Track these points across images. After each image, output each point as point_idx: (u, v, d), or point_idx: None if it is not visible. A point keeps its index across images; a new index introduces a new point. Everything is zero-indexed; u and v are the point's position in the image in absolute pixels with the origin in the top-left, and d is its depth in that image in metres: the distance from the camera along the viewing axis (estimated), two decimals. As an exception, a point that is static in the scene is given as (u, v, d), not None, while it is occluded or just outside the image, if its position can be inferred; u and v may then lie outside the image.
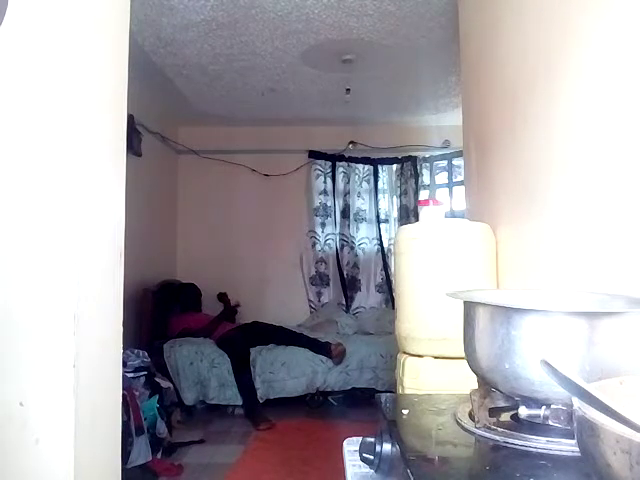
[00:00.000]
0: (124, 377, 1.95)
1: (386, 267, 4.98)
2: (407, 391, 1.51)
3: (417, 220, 1.86)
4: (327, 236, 5.04)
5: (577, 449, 0.47)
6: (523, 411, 0.71)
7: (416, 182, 4.96)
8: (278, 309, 4.81)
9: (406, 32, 3.10)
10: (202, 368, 3.78)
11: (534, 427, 0.69)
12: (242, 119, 4.78)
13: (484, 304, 0.75)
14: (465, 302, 0.80)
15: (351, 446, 0.86)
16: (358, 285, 5.00)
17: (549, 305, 0.75)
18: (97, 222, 1.23)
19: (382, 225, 5.04)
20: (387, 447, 0.74)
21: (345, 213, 5.05)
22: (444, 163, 5.00)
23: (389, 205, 5.08)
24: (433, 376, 1.50)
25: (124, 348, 1.39)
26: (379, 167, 5.06)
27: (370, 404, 3.14)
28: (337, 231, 5.04)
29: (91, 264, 1.18)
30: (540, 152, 1.37)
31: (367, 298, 4.97)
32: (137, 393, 2.66)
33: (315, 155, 5.04)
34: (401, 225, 4.59)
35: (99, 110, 1.24)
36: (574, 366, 0.66)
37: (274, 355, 3.86)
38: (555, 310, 0.69)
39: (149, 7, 2.79)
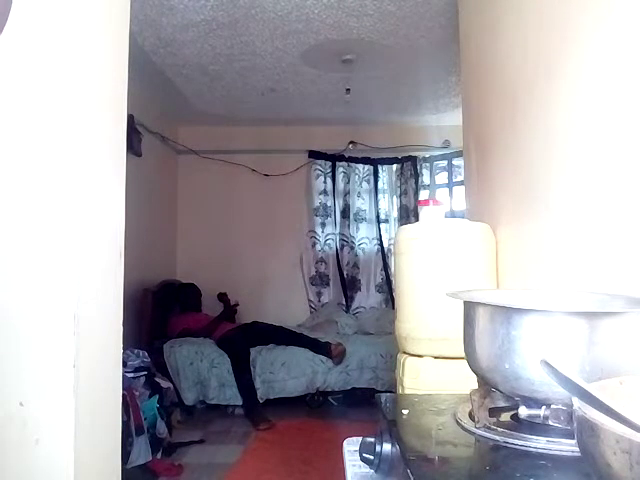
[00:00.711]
0: (124, 377, 1.95)
1: (386, 267, 4.98)
2: (407, 391, 1.51)
3: (417, 220, 1.86)
4: (327, 236, 5.04)
5: (577, 449, 0.47)
6: (523, 411, 0.71)
7: (416, 182, 4.96)
8: (278, 309, 4.81)
9: (406, 32, 3.10)
10: (202, 368, 3.78)
11: (534, 427, 0.69)
12: (242, 119, 4.78)
13: (484, 304, 0.75)
14: (465, 302, 0.80)
15: (351, 446, 0.86)
16: (358, 285, 5.00)
17: (549, 305, 0.75)
18: (97, 222, 1.23)
19: (382, 225, 5.04)
20: (387, 447, 0.74)
21: (345, 213, 5.05)
22: (444, 163, 5.00)
23: (389, 205, 5.08)
24: (433, 376, 1.50)
25: (124, 348, 1.39)
26: (379, 167, 5.06)
27: (370, 404, 3.14)
28: (337, 231, 5.04)
29: (91, 264, 1.18)
30: (540, 152, 1.37)
31: (367, 298, 4.97)
32: (137, 393, 2.66)
33: (315, 155, 5.04)
34: (401, 225, 4.60)
35: (99, 110, 1.24)
36: (574, 366, 0.66)
37: (274, 355, 3.86)
38: (555, 310, 0.69)
39: (149, 7, 2.79)
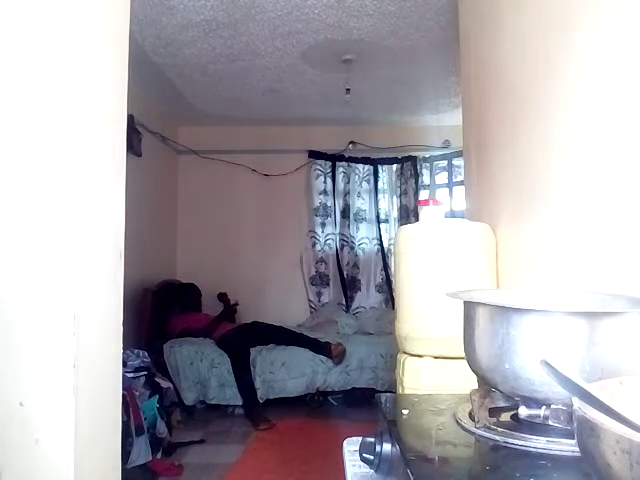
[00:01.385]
0: (124, 377, 1.95)
1: (386, 267, 4.98)
2: (407, 391, 1.51)
3: (417, 220, 1.86)
4: (327, 236, 5.04)
5: (577, 449, 0.47)
6: (523, 411, 0.71)
7: (416, 182, 4.96)
8: (278, 309, 4.81)
9: (406, 32, 3.10)
10: (202, 368, 3.78)
11: (534, 427, 0.69)
12: (242, 119, 4.78)
13: (484, 304, 0.75)
14: (465, 302, 0.80)
15: (351, 446, 0.86)
16: (358, 285, 5.00)
17: (549, 305, 0.75)
18: (97, 222, 1.23)
19: (382, 225, 5.04)
20: (387, 447, 0.74)
21: (345, 213, 5.05)
22: (444, 163, 5.00)
23: (389, 205, 5.08)
24: (433, 376, 1.49)
25: (124, 348, 1.39)
26: (379, 167, 5.06)
27: (370, 404, 3.15)
28: (337, 231, 5.04)
29: (91, 264, 1.18)
30: (540, 152, 1.37)
31: (367, 298, 4.97)
32: (137, 393, 2.66)
33: (315, 155, 5.04)
34: (401, 225, 4.60)
35: (99, 110, 1.24)
36: (574, 366, 0.66)
37: (274, 355, 3.86)
38: (555, 310, 0.69)
39: (149, 7, 2.79)
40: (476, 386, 0.81)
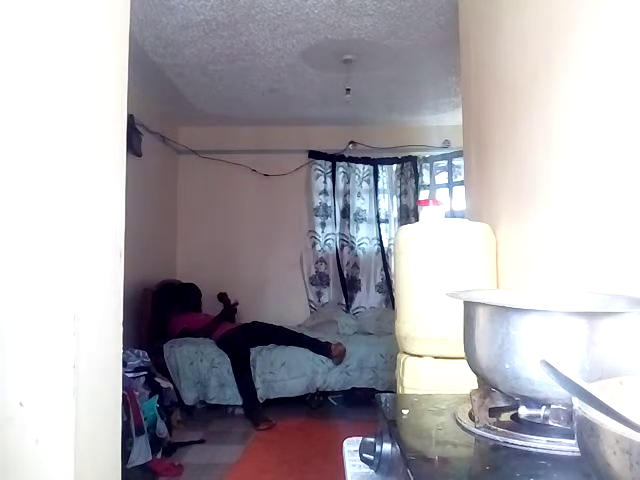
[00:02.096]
0: (124, 377, 1.95)
1: (386, 267, 4.98)
2: (407, 391, 1.51)
3: (417, 220, 1.86)
4: (327, 236, 5.04)
5: (577, 449, 0.47)
6: (523, 411, 0.71)
7: (416, 182, 4.96)
8: (278, 309, 4.81)
9: (406, 32, 3.10)
10: (202, 368, 3.78)
11: (534, 427, 0.69)
12: (242, 119, 4.78)
13: (484, 304, 0.75)
14: (465, 302, 0.80)
15: (351, 446, 0.86)
16: (358, 285, 5.00)
17: (549, 305, 0.75)
18: (97, 222, 1.23)
19: (382, 225, 5.04)
20: (387, 447, 0.74)
21: (345, 213, 5.05)
22: (444, 163, 5.00)
23: (389, 205, 5.08)
24: (433, 376, 1.49)
25: (124, 348, 1.39)
26: (379, 167, 5.06)
27: (370, 404, 3.15)
28: (337, 231, 5.04)
29: (91, 264, 1.18)
30: (540, 152, 1.37)
31: (367, 298, 4.97)
32: (137, 393, 2.66)
33: (315, 155, 5.04)
34: (401, 225, 4.59)
35: (99, 110, 1.24)
36: (574, 366, 0.66)
37: (274, 355, 3.86)
38: (555, 310, 0.69)
39: (149, 7, 2.79)
40: (476, 386, 0.81)
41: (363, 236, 5.06)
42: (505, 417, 0.76)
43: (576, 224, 1.18)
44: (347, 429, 2.79)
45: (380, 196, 5.07)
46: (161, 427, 2.81)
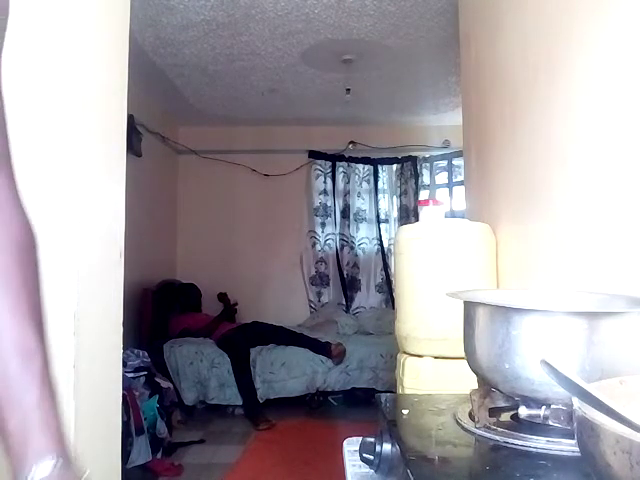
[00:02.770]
0: (124, 377, 1.95)
1: (386, 267, 4.98)
2: (407, 391, 1.51)
3: (417, 220, 1.86)
4: (327, 236, 5.04)
5: (577, 449, 0.47)
6: (523, 411, 0.71)
7: (416, 182, 4.96)
8: (278, 309, 4.81)
9: (406, 32, 3.10)
10: (202, 368, 3.78)
11: (534, 427, 0.69)
12: (242, 119, 4.78)
13: (484, 304, 0.75)
14: (465, 302, 0.80)
15: (351, 446, 0.86)
16: (358, 285, 5.00)
17: (549, 305, 0.75)
18: (97, 222, 1.23)
19: (382, 225, 5.04)
20: (387, 447, 0.74)
21: (345, 213, 5.05)
22: (444, 163, 5.00)
23: (389, 205, 5.08)
24: (433, 376, 1.49)
25: (124, 348, 1.39)
26: (379, 167, 5.06)
27: (370, 404, 3.15)
28: (337, 231, 5.04)
29: (91, 264, 1.18)
30: (540, 152, 1.37)
31: (367, 298, 4.97)
32: (137, 393, 2.66)
33: (315, 155, 5.04)
34: (401, 225, 4.59)
35: (99, 110, 1.24)
36: (574, 366, 0.66)
37: (274, 355, 3.86)
38: (555, 310, 0.69)
39: (149, 7, 2.79)
40: (476, 386, 0.81)
41: (363, 236, 5.06)
42: (505, 417, 0.76)
43: (576, 224, 1.18)
44: (347, 429, 2.78)
45: (380, 196, 5.07)
46: (161, 427, 2.81)
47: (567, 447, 0.63)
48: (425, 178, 4.99)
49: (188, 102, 4.37)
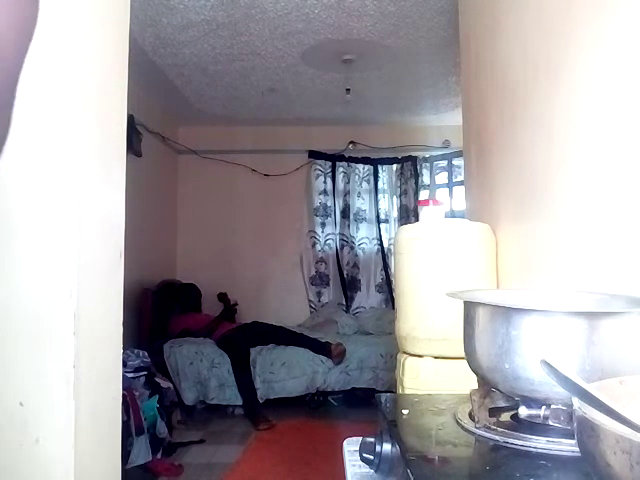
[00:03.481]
0: (124, 377, 1.95)
1: (386, 267, 4.97)
2: (407, 391, 1.51)
3: (417, 220, 1.86)
4: (327, 236, 5.04)
5: (577, 449, 0.47)
6: (523, 411, 0.71)
7: (416, 182, 4.96)
8: (278, 309, 4.81)
9: (406, 32, 3.10)
10: (202, 368, 3.78)
11: (534, 427, 0.69)
12: (242, 119, 4.78)
13: (484, 304, 0.75)
14: (465, 302, 0.80)
15: (351, 446, 0.86)
16: (358, 285, 5.00)
17: (549, 305, 0.75)
18: (97, 222, 1.23)
19: (382, 225, 5.04)
20: (387, 447, 0.74)
21: (345, 213, 5.04)
22: (444, 163, 5.00)
23: (389, 205, 5.08)
24: (433, 376, 1.49)
25: (124, 348, 1.39)
26: (379, 167, 5.06)
27: (370, 404, 3.15)
28: (337, 231, 5.04)
29: (91, 264, 1.18)
30: (540, 152, 1.37)
31: (367, 298, 4.97)
32: (137, 393, 2.66)
33: (315, 155, 5.04)
34: (401, 225, 4.59)
35: (99, 110, 1.24)
36: (574, 366, 0.66)
37: (274, 355, 3.86)
38: (555, 310, 0.69)
39: (149, 7, 2.79)
40: (476, 386, 0.81)
41: (363, 236, 5.06)
42: (505, 417, 0.76)
43: (576, 224, 1.18)
44: (347, 429, 2.79)
45: (380, 196, 5.07)
46: (161, 427, 2.81)
47: (567, 447, 0.63)
48: (425, 178, 4.99)
49: (188, 102, 4.37)
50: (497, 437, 0.68)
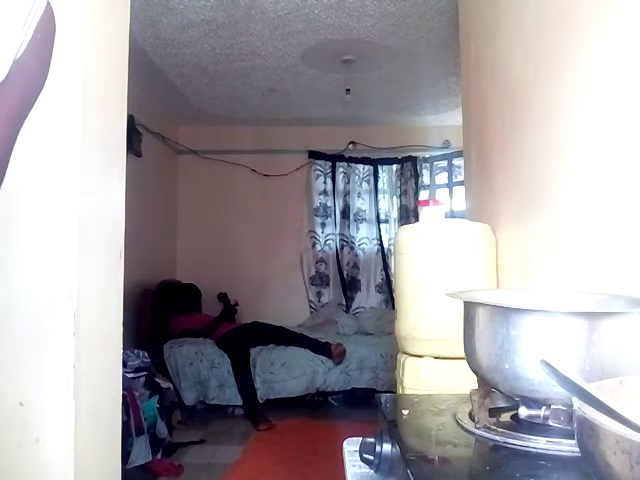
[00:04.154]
0: (124, 377, 1.95)
1: (386, 267, 4.97)
2: (407, 391, 1.51)
3: (417, 220, 1.86)
4: (327, 236, 5.04)
5: (577, 449, 0.47)
6: (523, 411, 0.71)
7: (416, 182, 4.96)
8: (278, 309, 4.81)
9: (406, 32, 3.10)
10: (202, 368, 3.78)
11: (534, 427, 0.69)
12: (242, 119, 4.78)
13: (484, 304, 0.75)
14: (465, 302, 0.80)
15: (351, 446, 0.86)
16: (358, 285, 5.00)
17: (549, 305, 0.75)
18: (97, 222, 1.23)
19: (382, 225, 5.04)
20: (387, 447, 0.74)
21: (345, 213, 5.04)
22: (444, 163, 5.00)
23: (389, 205, 5.08)
24: (433, 376, 1.49)
25: (124, 348, 1.39)
26: (379, 167, 5.06)
27: (370, 404, 3.15)
28: (337, 231, 5.04)
29: (91, 264, 1.18)
30: (540, 152, 1.36)
31: (367, 298, 4.96)
32: (137, 393, 2.66)
33: (315, 155, 5.04)
34: (401, 225, 4.59)
35: (99, 110, 1.24)
36: (574, 366, 0.66)
37: (274, 355, 3.86)
38: (555, 310, 0.69)
39: (149, 7, 2.79)
40: (476, 386, 0.81)
41: (363, 236, 5.06)
42: (505, 417, 0.76)
43: (576, 224, 1.18)
44: (347, 429, 2.78)
45: (380, 196, 5.07)
46: (161, 427, 2.81)
47: (567, 447, 0.63)
48: (425, 178, 4.99)
49: (188, 102, 4.37)
50: (497, 437, 0.68)
